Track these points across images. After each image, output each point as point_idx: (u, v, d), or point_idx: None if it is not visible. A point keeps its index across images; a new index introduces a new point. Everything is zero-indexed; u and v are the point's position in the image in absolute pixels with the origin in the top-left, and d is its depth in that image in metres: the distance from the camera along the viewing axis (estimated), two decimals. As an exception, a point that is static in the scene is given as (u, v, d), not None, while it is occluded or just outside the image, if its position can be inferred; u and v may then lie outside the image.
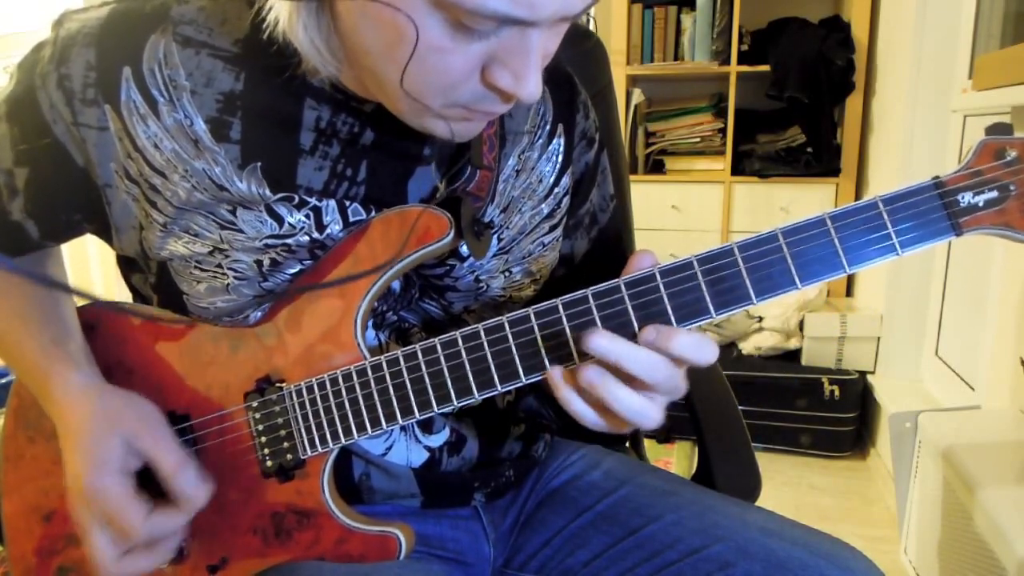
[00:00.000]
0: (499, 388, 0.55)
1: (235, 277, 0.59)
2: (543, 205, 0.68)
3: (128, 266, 0.67)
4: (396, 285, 0.64)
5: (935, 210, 0.50)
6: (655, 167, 2.73)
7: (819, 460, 2.23)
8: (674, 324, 0.51)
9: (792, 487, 2.10)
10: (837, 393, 2.16)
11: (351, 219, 0.60)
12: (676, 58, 2.61)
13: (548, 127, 0.68)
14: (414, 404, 0.57)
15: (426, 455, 0.68)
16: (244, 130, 0.57)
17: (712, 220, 2.60)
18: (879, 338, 2.18)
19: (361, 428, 0.58)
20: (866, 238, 0.50)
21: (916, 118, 1.96)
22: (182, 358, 0.63)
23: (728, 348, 2.40)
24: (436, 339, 0.56)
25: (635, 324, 0.52)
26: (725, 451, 0.84)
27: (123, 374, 0.64)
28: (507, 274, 0.67)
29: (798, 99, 2.35)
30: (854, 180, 2.46)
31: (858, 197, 2.29)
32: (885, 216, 0.50)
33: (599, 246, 0.75)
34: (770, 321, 2.31)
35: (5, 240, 0.64)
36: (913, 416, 1.52)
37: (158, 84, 0.56)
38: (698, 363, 0.50)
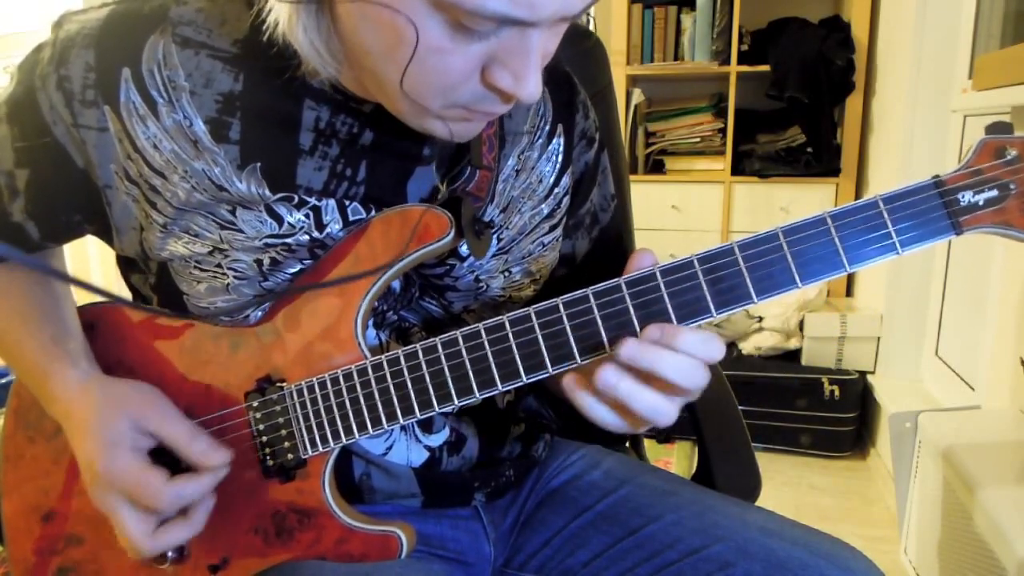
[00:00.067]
0: (500, 387, 0.55)
1: (235, 277, 0.60)
2: (543, 205, 0.68)
3: (128, 266, 0.67)
4: (396, 284, 0.64)
5: (935, 209, 0.50)
6: (655, 167, 2.73)
7: (819, 460, 2.23)
8: (675, 323, 0.51)
9: (792, 487, 2.10)
10: (837, 393, 2.16)
11: (351, 218, 0.60)
12: (676, 58, 2.61)
13: (548, 127, 0.68)
14: (415, 403, 0.57)
15: (426, 455, 0.68)
16: (243, 131, 0.57)
17: (712, 220, 2.60)
18: (879, 338, 2.18)
19: (362, 427, 0.58)
20: (866, 237, 0.50)
21: (916, 118, 1.96)
22: (182, 357, 0.63)
23: (728, 348, 2.39)
24: (437, 338, 0.56)
25: (636, 323, 0.52)
26: (725, 451, 0.84)
27: (123, 373, 0.64)
28: (507, 274, 0.67)
29: (798, 99, 2.35)
30: (854, 180, 2.46)
31: (858, 197, 2.29)
32: (885, 215, 0.50)
33: (600, 246, 0.75)
34: (770, 321, 2.31)
35: (5, 241, 0.64)
36: (913, 416, 1.52)
37: (157, 85, 0.56)
38: (705, 358, 0.50)
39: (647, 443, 1.12)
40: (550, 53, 0.51)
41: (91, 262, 2.76)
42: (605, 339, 0.52)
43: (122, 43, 0.56)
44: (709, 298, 0.51)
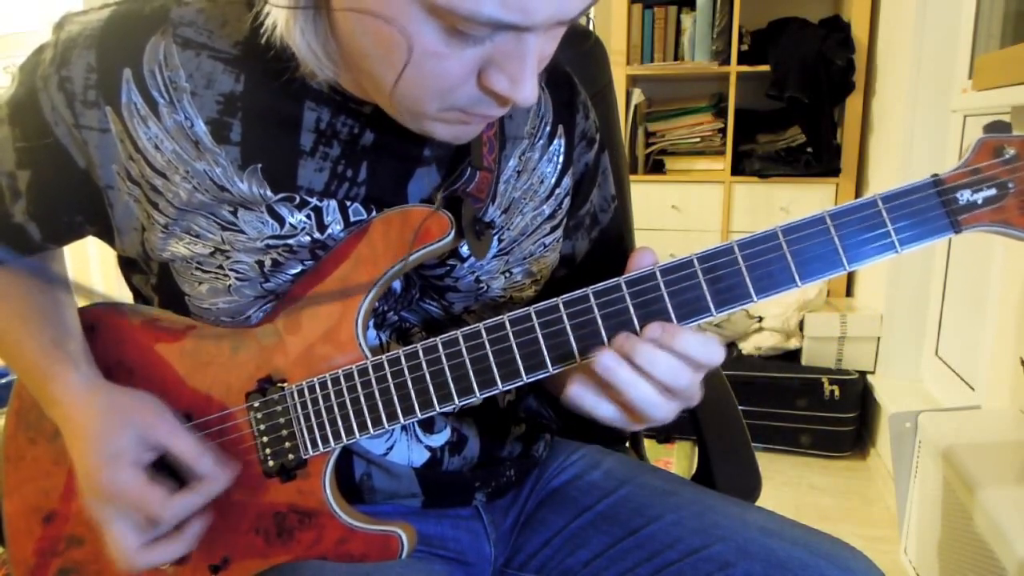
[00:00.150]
0: (500, 387, 0.55)
1: (237, 278, 0.60)
2: (544, 206, 0.68)
3: (129, 267, 0.67)
4: (397, 285, 0.64)
5: (934, 208, 0.50)
6: (655, 167, 2.73)
7: (819, 460, 2.23)
8: (675, 322, 0.52)
9: (792, 487, 2.10)
10: (837, 393, 2.16)
11: (352, 219, 0.60)
12: (676, 58, 2.61)
13: (548, 128, 0.68)
14: (415, 403, 0.57)
15: (427, 455, 0.68)
16: (244, 131, 0.57)
17: (712, 220, 2.60)
18: (879, 338, 2.18)
19: (363, 427, 0.58)
20: (865, 236, 0.50)
21: (916, 118, 1.96)
22: (183, 358, 0.63)
23: (728, 348, 2.40)
24: (437, 338, 0.56)
25: (636, 323, 0.52)
26: (725, 451, 0.84)
27: (123, 374, 0.64)
28: (508, 275, 0.67)
29: (798, 99, 2.35)
30: (854, 180, 2.46)
31: (858, 197, 2.29)
32: (884, 214, 0.50)
33: (600, 247, 0.75)
34: (770, 321, 2.31)
35: (7, 242, 0.64)
36: (913, 416, 1.52)
37: (158, 86, 0.56)
38: (704, 363, 0.50)
39: (647, 443, 1.12)
40: (548, 56, 0.51)
41: (91, 262, 2.76)
42: (605, 338, 0.52)
43: (123, 44, 0.56)
44: (709, 297, 0.51)
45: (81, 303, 0.69)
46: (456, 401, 0.56)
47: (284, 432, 0.60)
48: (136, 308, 0.66)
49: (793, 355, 2.30)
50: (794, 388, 2.21)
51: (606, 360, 0.50)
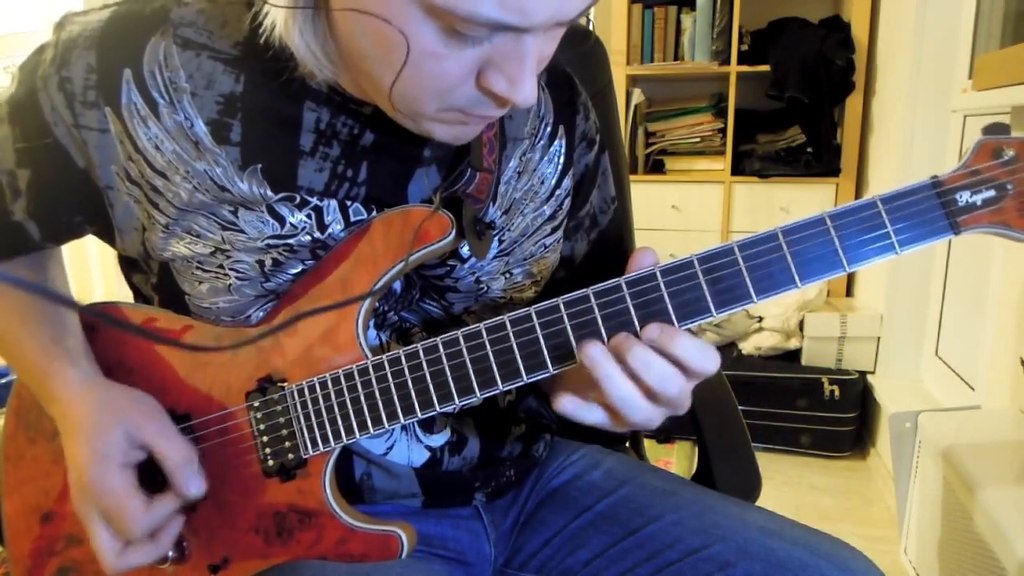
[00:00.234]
0: (501, 387, 0.55)
1: (237, 277, 0.60)
2: (545, 207, 0.68)
3: (129, 266, 0.67)
4: (397, 285, 0.64)
5: (933, 209, 0.50)
6: (655, 167, 2.73)
7: (819, 460, 2.23)
8: (675, 323, 0.52)
9: (792, 487, 2.10)
10: (837, 393, 2.16)
11: (352, 219, 0.60)
12: (676, 58, 2.61)
13: (549, 129, 0.68)
14: (416, 403, 0.57)
15: (427, 455, 0.68)
16: (244, 132, 0.57)
17: (712, 220, 2.60)
18: (879, 338, 2.18)
19: (363, 427, 0.58)
20: (865, 237, 0.50)
21: (916, 118, 1.96)
22: (183, 358, 0.63)
23: (728, 348, 2.40)
24: (438, 338, 0.56)
25: (636, 323, 0.52)
26: (725, 451, 0.84)
27: (123, 374, 0.64)
28: (508, 275, 0.67)
29: (798, 99, 2.35)
30: (854, 180, 2.46)
31: (858, 197, 2.28)
32: (884, 215, 0.50)
33: (599, 248, 0.75)
34: (770, 321, 2.31)
35: (6, 240, 0.65)
36: (913, 416, 1.52)
37: (158, 86, 0.56)
38: (698, 370, 0.50)
39: (647, 443, 1.12)
40: (547, 57, 0.51)
41: (91, 262, 2.76)
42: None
43: (123, 44, 0.56)
44: (709, 298, 0.51)
45: (90, 297, 0.68)
46: (456, 401, 0.56)
47: (284, 432, 0.60)
48: (136, 307, 0.66)
49: (793, 355, 2.30)
50: (794, 388, 2.21)
51: (593, 352, 0.50)
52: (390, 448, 0.66)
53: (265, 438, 0.61)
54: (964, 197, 0.50)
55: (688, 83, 2.74)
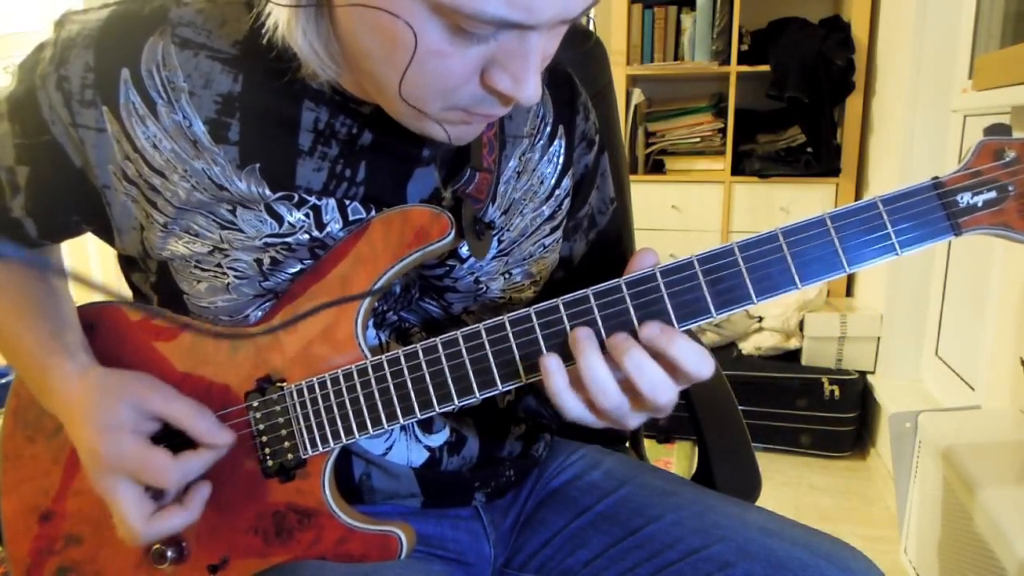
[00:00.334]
0: (500, 387, 0.55)
1: (235, 276, 0.60)
2: (544, 207, 0.68)
3: (128, 265, 0.67)
4: (396, 285, 0.64)
5: (934, 210, 0.50)
6: (655, 167, 2.73)
7: (819, 460, 2.23)
8: (675, 324, 0.51)
9: (792, 487, 2.10)
10: (837, 393, 2.16)
11: (351, 218, 0.60)
12: (676, 58, 2.61)
13: (548, 129, 0.68)
14: (415, 403, 0.57)
15: (426, 455, 0.68)
16: (243, 131, 0.57)
17: (712, 220, 2.60)
18: (879, 338, 2.18)
19: (362, 427, 0.58)
20: (866, 238, 0.50)
21: (916, 118, 1.96)
22: (182, 357, 0.63)
23: (728, 348, 2.40)
24: (437, 338, 0.56)
25: (636, 323, 0.52)
26: (725, 451, 0.84)
27: (123, 374, 0.64)
28: (507, 276, 0.67)
29: (798, 99, 2.35)
30: (854, 180, 2.46)
31: (858, 197, 2.29)
32: (884, 216, 0.50)
33: (597, 248, 0.75)
34: (770, 321, 2.31)
35: (5, 236, 0.64)
36: (913, 416, 1.52)
37: (156, 86, 0.56)
38: (691, 372, 0.50)
39: (647, 443, 1.12)
40: (550, 55, 0.51)
41: (91, 260, 2.76)
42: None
43: (121, 44, 0.56)
44: (709, 298, 0.51)
45: (89, 296, 0.68)
46: (456, 401, 0.56)
47: (283, 432, 0.60)
48: (136, 306, 0.66)
49: (793, 355, 2.30)
50: (794, 388, 2.21)
51: (581, 336, 0.51)
52: (389, 448, 0.66)
53: (264, 438, 0.61)
54: (965, 198, 0.50)
55: (688, 83, 2.74)
